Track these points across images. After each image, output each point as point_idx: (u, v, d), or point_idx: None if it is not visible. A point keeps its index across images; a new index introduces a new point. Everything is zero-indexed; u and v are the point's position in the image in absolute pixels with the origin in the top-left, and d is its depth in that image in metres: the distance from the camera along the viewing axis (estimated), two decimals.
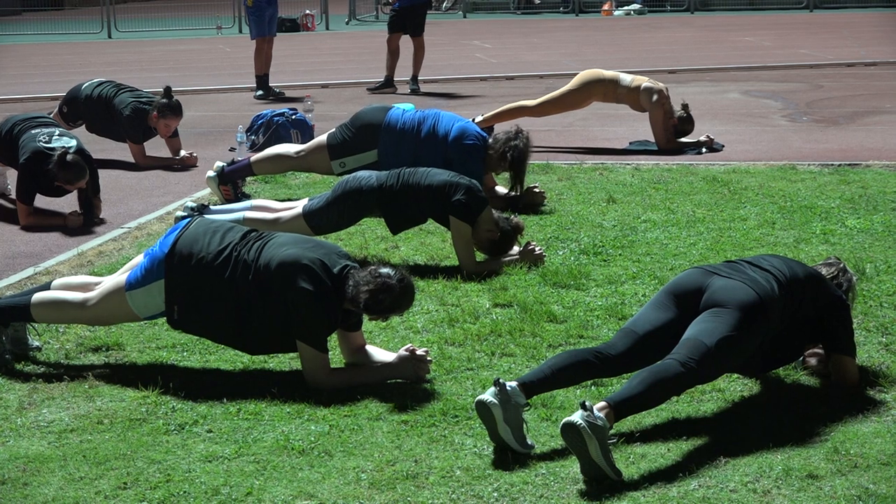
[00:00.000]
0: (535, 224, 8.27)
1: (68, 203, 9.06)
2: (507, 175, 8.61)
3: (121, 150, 11.06)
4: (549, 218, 8.49)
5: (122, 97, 10.77)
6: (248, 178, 9.41)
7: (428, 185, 7.25)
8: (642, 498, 4.29)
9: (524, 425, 4.67)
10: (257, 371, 5.64)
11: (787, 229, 8.00)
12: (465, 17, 30.35)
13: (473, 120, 10.30)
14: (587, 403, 4.43)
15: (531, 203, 8.77)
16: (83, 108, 10.97)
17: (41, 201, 8.98)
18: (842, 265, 5.51)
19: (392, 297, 5.31)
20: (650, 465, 4.53)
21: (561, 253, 7.54)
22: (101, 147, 11.03)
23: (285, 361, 5.71)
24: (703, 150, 11.00)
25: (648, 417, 4.91)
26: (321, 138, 8.99)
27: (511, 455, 4.61)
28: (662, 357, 4.81)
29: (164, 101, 10.66)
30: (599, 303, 6.48)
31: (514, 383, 4.72)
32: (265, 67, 15.45)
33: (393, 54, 15.87)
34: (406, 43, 15.94)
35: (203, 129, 13.00)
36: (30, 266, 7.58)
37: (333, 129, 8.96)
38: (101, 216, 8.87)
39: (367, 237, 8.04)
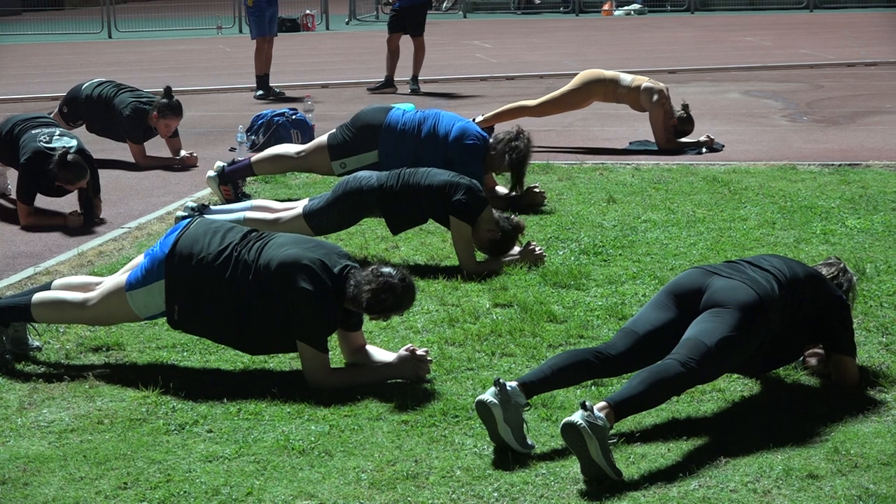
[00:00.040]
0: (536, 224, 8.27)
1: (69, 203, 9.06)
2: (507, 175, 8.62)
3: (121, 150, 11.07)
4: (550, 218, 8.49)
5: (122, 97, 10.78)
6: (249, 178, 9.42)
7: (428, 185, 7.25)
8: (642, 498, 4.29)
9: (524, 425, 4.68)
10: (257, 371, 5.64)
11: (787, 229, 8.00)
12: (465, 17, 30.35)
13: (474, 120, 10.30)
14: (587, 403, 4.43)
15: (531, 203, 8.77)
16: (83, 109, 10.98)
17: (41, 201, 8.98)
18: (842, 265, 5.51)
19: (394, 297, 5.31)
20: (650, 465, 4.53)
21: (561, 253, 7.54)
22: (102, 147, 11.03)
23: (285, 361, 5.71)
24: (704, 150, 11.00)
25: (649, 417, 4.91)
26: (321, 139, 9.00)
27: (511, 455, 4.61)
28: (663, 357, 4.82)
29: (165, 101, 10.66)
30: (599, 303, 6.48)
31: (514, 383, 4.72)
32: (265, 67, 15.46)
33: (393, 54, 15.87)
34: (406, 43, 15.94)
35: (203, 129, 13.00)
36: (30, 266, 7.58)
37: (334, 130, 8.96)
38: (101, 216, 8.87)
39: (368, 237, 8.04)
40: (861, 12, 28.06)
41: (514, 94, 14.25)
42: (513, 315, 6.31)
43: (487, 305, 6.51)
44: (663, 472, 4.47)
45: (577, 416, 4.38)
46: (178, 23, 27.87)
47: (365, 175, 7.45)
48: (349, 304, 5.38)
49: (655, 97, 11.04)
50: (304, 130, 11.07)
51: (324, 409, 5.11)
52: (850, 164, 10.06)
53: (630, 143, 11.47)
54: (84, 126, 11.12)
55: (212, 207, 7.93)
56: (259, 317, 5.40)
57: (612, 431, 4.48)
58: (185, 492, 4.40)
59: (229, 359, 5.74)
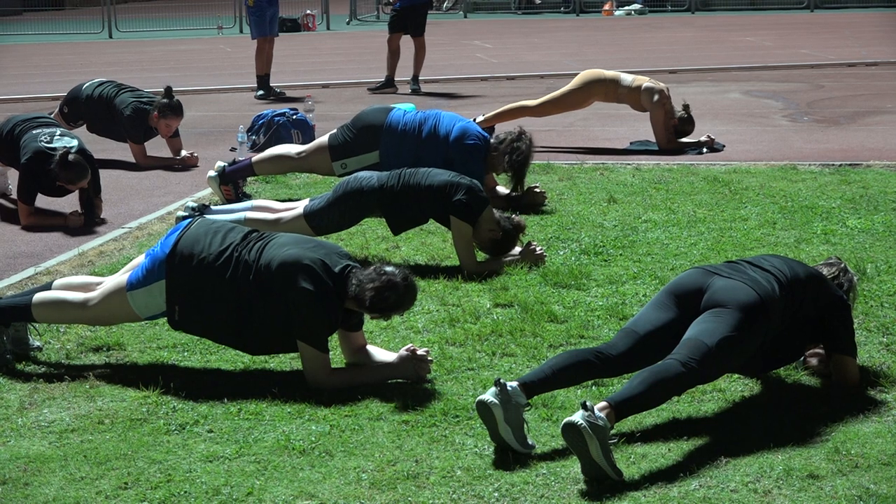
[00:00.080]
0: (536, 224, 8.27)
1: (69, 203, 9.06)
2: (507, 175, 8.62)
3: (122, 150, 11.07)
4: (550, 218, 8.49)
5: (122, 97, 10.78)
6: (249, 178, 9.42)
7: (429, 186, 7.25)
8: (643, 498, 4.29)
9: (525, 425, 4.68)
10: (258, 371, 5.64)
11: (787, 229, 8.00)
12: (465, 17, 30.36)
13: (474, 120, 10.30)
14: (588, 403, 4.43)
15: (532, 203, 8.77)
16: (84, 109, 10.98)
17: (42, 201, 8.98)
18: (843, 265, 5.51)
19: (397, 295, 5.32)
20: (651, 465, 4.53)
21: (562, 253, 7.54)
22: (102, 147, 11.03)
23: (286, 361, 5.72)
24: (704, 150, 11.00)
25: (649, 417, 4.91)
26: (322, 139, 9.00)
27: (512, 455, 4.61)
28: (663, 357, 4.81)
29: (165, 101, 10.66)
30: (600, 303, 6.48)
31: (514, 383, 4.72)
32: (266, 67, 15.46)
33: (394, 54, 15.87)
34: (407, 43, 15.95)
35: (204, 129, 13.01)
36: (31, 266, 7.58)
37: (335, 131, 8.97)
38: (101, 216, 8.87)
39: (368, 237, 8.04)
40: (862, 12, 28.06)
41: (514, 95, 14.25)
42: (513, 315, 6.31)
43: (488, 305, 6.51)
44: (664, 472, 4.47)
45: (578, 416, 4.38)
46: (178, 23, 27.88)
47: (366, 175, 7.45)
48: (351, 304, 5.38)
49: (656, 97, 11.04)
50: (305, 130, 11.08)
51: (324, 409, 5.11)
52: (850, 164, 10.06)
53: (631, 143, 11.47)
54: (84, 126, 11.12)
55: (212, 207, 7.93)
56: (260, 317, 5.40)
57: (612, 431, 4.48)
58: (185, 492, 4.40)
59: (230, 359, 5.74)
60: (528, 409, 4.84)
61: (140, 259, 5.72)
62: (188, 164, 10.81)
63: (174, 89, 11.02)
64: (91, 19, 27.40)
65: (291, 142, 10.64)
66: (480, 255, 7.36)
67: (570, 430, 4.37)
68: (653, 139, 11.25)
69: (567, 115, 12.44)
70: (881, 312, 6.20)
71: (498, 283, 6.90)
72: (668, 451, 4.65)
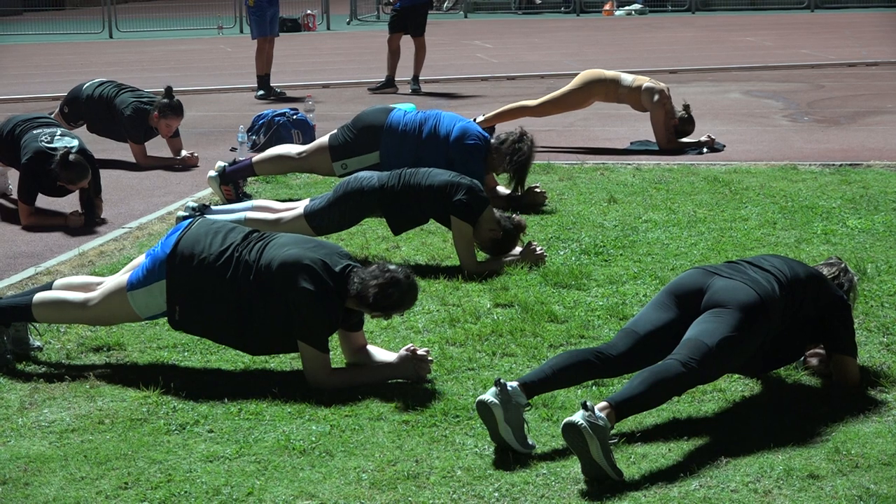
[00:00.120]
0: (537, 224, 8.27)
1: (69, 203, 9.06)
2: (508, 175, 8.62)
3: (122, 150, 11.07)
4: (551, 218, 8.49)
5: (123, 97, 10.78)
6: (250, 178, 9.42)
7: (429, 186, 7.25)
8: (643, 498, 4.29)
9: (525, 425, 4.68)
10: (258, 371, 5.64)
11: (788, 229, 8.00)
12: (466, 17, 30.35)
13: (475, 120, 10.30)
14: (588, 403, 4.43)
15: (532, 203, 8.77)
16: (84, 109, 10.98)
17: (42, 201, 8.98)
18: (843, 265, 5.51)
19: (400, 292, 5.33)
20: (651, 465, 4.53)
21: (562, 253, 7.54)
22: (103, 147, 11.03)
23: (286, 361, 5.72)
24: (705, 150, 11.00)
25: (649, 417, 4.91)
26: (323, 140, 9.00)
27: (512, 455, 4.61)
28: (663, 357, 4.82)
29: (166, 101, 10.66)
30: (600, 303, 6.48)
31: (515, 383, 4.72)
32: (266, 67, 15.46)
33: (394, 54, 15.87)
34: (407, 43, 15.95)
35: (204, 129, 13.01)
36: (31, 266, 7.58)
37: (335, 131, 8.97)
38: (102, 216, 8.88)
39: (369, 237, 8.04)
40: (862, 12, 28.06)
41: (514, 95, 14.25)
42: (514, 315, 6.31)
43: (488, 305, 6.51)
44: (664, 472, 4.47)
45: (578, 416, 4.38)
46: (179, 23, 27.88)
47: (366, 175, 7.45)
48: (352, 302, 5.37)
49: (656, 97, 11.04)
50: (305, 130, 11.08)
51: (325, 409, 5.11)
52: (851, 164, 10.06)
53: (631, 143, 11.47)
54: (85, 126, 11.12)
55: (213, 207, 7.93)
56: (260, 317, 5.40)
57: (612, 431, 4.48)
58: (185, 492, 4.40)
59: (230, 359, 5.74)
60: (528, 409, 4.84)
61: (140, 259, 5.72)
62: (188, 164, 10.81)
63: (174, 89, 11.02)
64: (91, 19, 27.40)
65: (292, 142, 10.65)
66: (481, 255, 7.36)
67: (571, 430, 4.37)
68: (653, 139, 11.25)
69: (567, 115, 12.44)
70: (881, 312, 6.20)
71: (498, 283, 6.90)
72: (668, 451, 4.65)
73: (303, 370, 5.41)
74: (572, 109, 11.76)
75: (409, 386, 5.37)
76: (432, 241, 7.90)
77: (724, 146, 11.15)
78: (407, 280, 5.38)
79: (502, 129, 9.58)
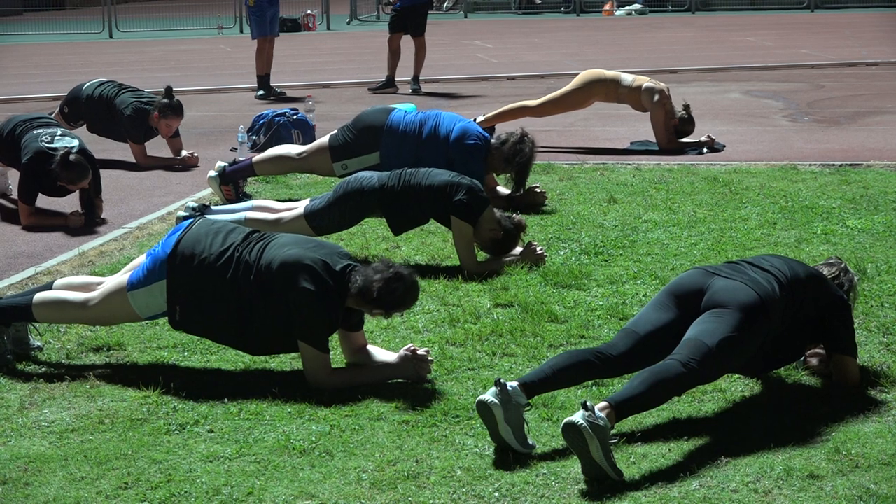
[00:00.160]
0: (537, 224, 8.27)
1: (70, 203, 9.06)
2: (507, 175, 8.62)
3: (122, 151, 11.07)
4: (551, 218, 8.49)
5: (123, 97, 10.78)
6: (250, 178, 9.42)
7: (429, 186, 7.25)
8: (643, 498, 4.29)
9: (525, 425, 4.68)
10: (258, 371, 5.64)
11: (788, 229, 8.00)
12: (466, 17, 30.35)
13: (475, 120, 10.30)
14: (588, 403, 4.43)
15: (532, 203, 8.78)
16: (84, 109, 10.98)
17: (42, 201, 8.98)
18: (843, 265, 5.51)
19: (405, 287, 5.34)
20: (651, 465, 4.53)
21: (562, 253, 7.54)
22: (103, 147, 11.03)
23: (286, 361, 5.72)
24: (705, 150, 11.00)
25: (649, 417, 4.91)
26: (323, 140, 9.00)
27: (512, 455, 4.61)
28: (663, 357, 4.82)
29: (166, 101, 10.66)
30: (600, 303, 6.48)
31: (515, 383, 4.72)
32: (266, 67, 15.46)
33: (394, 54, 15.88)
34: (407, 43, 15.95)
35: (204, 129, 13.01)
36: (31, 266, 7.58)
37: (335, 131, 8.97)
38: (102, 216, 8.88)
39: (369, 237, 8.04)
40: (862, 12, 28.06)
41: (515, 95, 14.25)
42: (514, 315, 6.31)
43: (488, 305, 6.51)
44: (664, 472, 4.47)
45: (578, 416, 4.38)
46: (179, 23, 27.88)
47: (366, 175, 7.45)
48: (354, 300, 5.37)
49: (656, 97, 11.04)
50: (305, 130, 11.08)
51: (325, 409, 5.11)
52: (851, 164, 10.06)
53: (631, 143, 11.47)
54: (85, 126, 11.12)
55: (213, 207, 7.93)
56: (260, 317, 5.41)
57: (612, 431, 4.48)
58: (185, 492, 4.40)
59: (230, 359, 5.74)
60: (528, 409, 4.84)
61: (141, 259, 5.72)
62: (188, 164, 10.81)
63: (174, 89, 11.02)
64: (91, 19, 27.40)
65: (292, 142, 10.65)
66: (482, 255, 7.36)
67: (571, 430, 4.37)
68: (653, 139, 11.25)
69: (567, 115, 12.44)
70: (881, 312, 6.20)
71: (498, 283, 6.90)
72: (668, 451, 4.65)
73: (303, 370, 5.41)
74: (572, 109, 11.76)
75: (410, 386, 5.37)
76: (432, 241, 7.90)
77: (725, 146, 11.15)
78: (410, 277, 5.40)
79: (503, 129, 9.58)
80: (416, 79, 15.88)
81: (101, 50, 23.35)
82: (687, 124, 11.18)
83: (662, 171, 10.04)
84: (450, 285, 6.89)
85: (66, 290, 5.80)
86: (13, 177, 9.53)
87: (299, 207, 7.52)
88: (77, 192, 8.81)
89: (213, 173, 9.08)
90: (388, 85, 15.87)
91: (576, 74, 11.65)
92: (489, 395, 4.64)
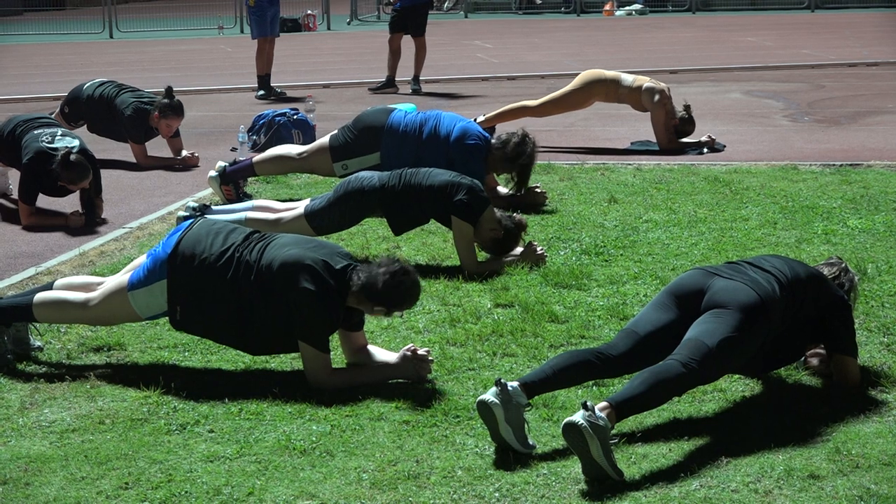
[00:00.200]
0: (537, 224, 8.27)
1: (70, 203, 9.07)
2: (509, 176, 8.62)
3: (122, 151, 11.07)
4: (551, 218, 8.49)
5: (123, 97, 10.78)
6: (250, 179, 9.42)
7: (430, 186, 7.25)
8: (644, 498, 4.29)
9: (525, 425, 4.68)
10: (259, 371, 5.64)
11: (788, 229, 8.00)
12: (466, 17, 30.35)
13: (475, 120, 10.30)
14: (589, 403, 4.43)
15: (533, 203, 8.78)
16: (85, 109, 10.98)
17: (43, 201, 8.98)
18: (843, 265, 5.51)
19: (410, 281, 5.35)
20: (652, 465, 4.53)
21: (562, 253, 7.54)
22: (103, 147, 11.03)
23: (287, 361, 5.72)
24: (705, 150, 11.00)
25: (650, 417, 4.91)
26: (323, 140, 9.00)
27: (512, 455, 4.61)
28: (664, 358, 4.82)
29: (166, 101, 10.66)
30: (601, 303, 6.48)
31: (515, 383, 4.72)
32: (267, 67, 15.47)
33: (394, 54, 15.88)
34: (407, 43, 15.95)
35: (204, 129, 13.01)
36: (31, 266, 7.59)
37: (335, 132, 8.97)
38: (102, 216, 8.88)
39: (369, 237, 8.04)
40: (862, 12, 28.06)
41: (515, 95, 14.25)
42: (514, 315, 6.31)
43: (489, 305, 6.51)
44: (665, 473, 4.47)
45: (579, 416, 4.38)
46: (179, 23, 27.88)
47: (366, 175, 7.45)
48: (356, 298, 5.35)
49: (657, 97, 11.05)
50: (306, 130, 11.08)
51: (325, 409, 5.11)
52: (851, 165, 10.06)
53: (631, 144, 11.47)
54: (85, 126, 11.12)
55: (213, 207, 7.93)
56: (261, 317, 5.41)
57: (613, 431, 4.48)
58: (186, 492, 4.40)
59: (231, 359, 5.74)
60: (528, 409, 4.84)
61: (141, 259, 5.72)
62: (189, 165, 10.81)
63: (175, 89, 11.02)
64: (92, 19, 27.40)
65: (292, 142, 10.65)
66: (482, 255, 7.36)
67: (571, 430, 4.37)
68: (653, 139, 11.25)
69: (568, 116, 12.44)
70: (882, 312, 6.20)
71: (499, 284, 6.90)
72: (668, 451, 4.65)
73: (303, 370, 5.41)
74: (573, 109, 11.76)
75: (410, 386, 5.37)
76: (433, 241, 7.90)
77: (725, 146, 11.15)
78: (414, 275, 5.41)
79: (503, 129, 9.58)
80: (416, 79, 15.88)
81: (101, 50, 23.35)
82: (687, 124, 11.18)
83: (663, 171, 10.04)
84: (450, 285, 6.89)
85: (66, 290, 5.80)
86: (13, 177, 9.53)
87: (299, 207, 7.52)
88: (77, 192, 8.81)
89: (213, 173, 9.08)
90: (389, 85, 15.87)
91: (576, 75, 11.65)
92: (490, 395, 4.64)
